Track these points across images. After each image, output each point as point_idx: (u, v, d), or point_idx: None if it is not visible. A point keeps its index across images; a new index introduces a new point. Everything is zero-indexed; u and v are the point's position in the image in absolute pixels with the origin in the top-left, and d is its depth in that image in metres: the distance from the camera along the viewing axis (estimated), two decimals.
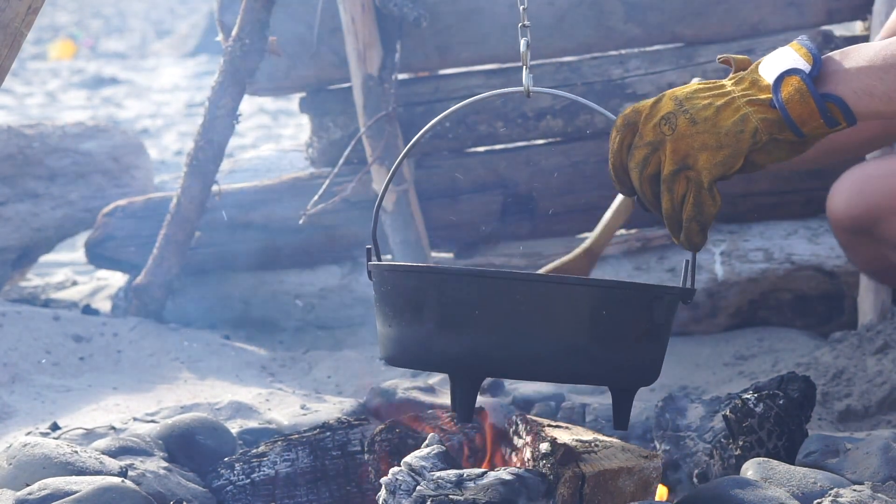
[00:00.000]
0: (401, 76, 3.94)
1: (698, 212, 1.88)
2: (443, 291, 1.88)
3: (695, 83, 1.93)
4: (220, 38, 3.76)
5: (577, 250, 2.48)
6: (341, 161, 3.83)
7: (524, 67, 2.02)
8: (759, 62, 1.91)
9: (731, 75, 1.93)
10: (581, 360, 1.89)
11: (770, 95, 1.85)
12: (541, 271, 2.19)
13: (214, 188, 3.89)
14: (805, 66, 1.85)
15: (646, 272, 3.82)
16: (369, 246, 2.10)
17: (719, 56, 1.95)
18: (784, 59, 1.88)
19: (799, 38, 1.92)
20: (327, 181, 3.81)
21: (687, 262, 1.98)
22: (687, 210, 1.88)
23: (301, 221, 3.76)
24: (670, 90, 1.93)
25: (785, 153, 1.90)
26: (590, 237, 2.90)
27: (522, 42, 2.01)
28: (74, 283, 4.93)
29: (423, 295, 1.89)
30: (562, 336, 1.87)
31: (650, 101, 1.92)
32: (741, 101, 1.87)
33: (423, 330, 1.89)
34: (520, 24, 2.02)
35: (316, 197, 3.77)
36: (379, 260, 2.10)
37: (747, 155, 1.88)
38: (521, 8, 2.02)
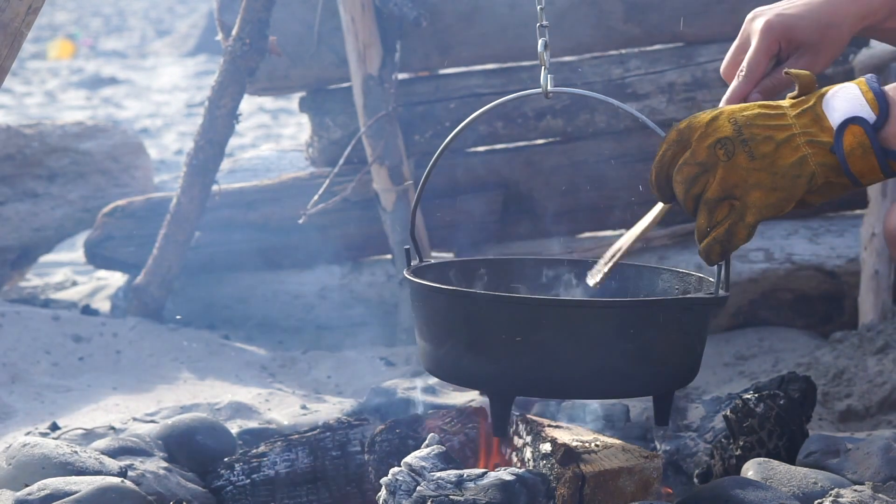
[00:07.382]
0: (401, 76, 3.94)
1: (727, 238, 1.83)
2: (473, 315, 1.89)
3: (756, 103, 1.83)
4: (220, 37, 3.75)
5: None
6: (341, 161, 3.83)
7: (543, 68, 1.99)
8: (824, 92, 1.81)
9: (792, 97, 1.83)
10: (614, 378, 1.89)
11: (831, 140, 1.77)
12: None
13: (214, 188, 3.89)
14: (870, 115, 1.76)
15: None
16: (408, 246, 2.11)
17: (785, 70, 1.84)
18: (850, 101, 1.78)
19: (867, 76, 1.81)
20: (327, 181, 3.81)
21: (719, 266, 1.92)
22: (718, 231, 1.83)
23: (301, 221, 3.76)
24: (729, 107, 1.84)
25: (838, 193, 1.83)
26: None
27: (540, 42, 1.98)
28: (74, 283, 4.93)
29: (455, 316, 1.91)
30: (592, 357, 1.87)
31: (706, 116, 1.83)
32: (801, 139, 1.79)
33: (457, 350, 1.91)
34: (538, 24, 2.00)
35: (316, 197, 3.77)
36: (421, 262, 2.11)
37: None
38: (539, 7, 1.99)
